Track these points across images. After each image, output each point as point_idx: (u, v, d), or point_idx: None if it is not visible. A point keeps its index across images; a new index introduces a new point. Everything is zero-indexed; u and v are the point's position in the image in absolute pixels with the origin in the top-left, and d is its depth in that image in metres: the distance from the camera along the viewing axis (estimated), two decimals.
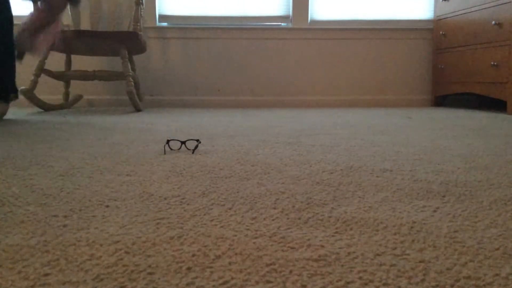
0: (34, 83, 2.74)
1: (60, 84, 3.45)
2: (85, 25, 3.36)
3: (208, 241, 0.58)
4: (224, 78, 3.60)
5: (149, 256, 0.53)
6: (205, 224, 0.65)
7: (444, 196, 0.80)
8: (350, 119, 2.38)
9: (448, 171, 1.02)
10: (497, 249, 0.55)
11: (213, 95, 3.60)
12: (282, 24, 3.61)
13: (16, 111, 2.93)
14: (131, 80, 2.84)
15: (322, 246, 0.56)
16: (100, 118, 2.42)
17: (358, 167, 1.07)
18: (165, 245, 0.56)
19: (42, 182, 0.91)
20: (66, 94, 3.21)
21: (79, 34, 2.71)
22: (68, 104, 3.23)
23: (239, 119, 2.38)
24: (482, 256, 0.53)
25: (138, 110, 2.98)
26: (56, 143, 1.45)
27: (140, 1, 2.88)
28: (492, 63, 2.84)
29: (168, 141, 1.31)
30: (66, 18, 3.32)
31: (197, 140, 1.34)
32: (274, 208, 0.73)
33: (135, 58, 3.46)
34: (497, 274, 0.48)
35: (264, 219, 0.67)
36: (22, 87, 2.70)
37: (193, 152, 1.28)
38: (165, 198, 0.79)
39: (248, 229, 0.63)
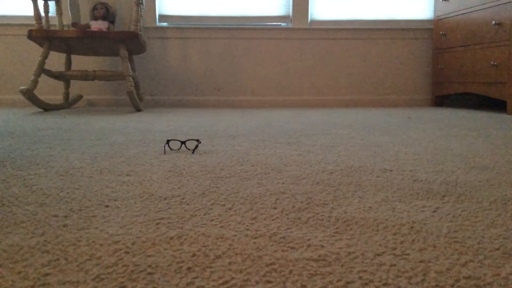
0: (34, 83, 2.74)
1: (60, 84, 3.45)
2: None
3: (208, 241, 0.58)
4: (224, 78, 3.60)
5: (149, 256, 0.53)
6: (205, 224, 0.65)
7: (444, 196, 0.80)
8: (350, 119, 2.38)
9: (448, 171, 1.02)
10: (497, 249, 0.55)
11: (213, 95, 3.60)
12: (282, 24, 3.61)
13: (16, 111, 2.93)
14: (131, 80, 2.84)
15: (322, 246, 0.56)
16: (100, 118, 2.42)
17: (358, 167, 1.07)
18: (165, 245, 0.56)
19: (42, 182, 0.91)
20: (66, 94, 3.21)
21: (80, 33, 2.71)
22: (68, 104, 3.23)
23: (239, 119, 2.38)
24: (482, 256, 0.53)
25: (138, 110, 2.98)
26: (56, 143, 1.45)
27: (140, 1, 2.88)
28: (492, 63, 2.84)
29: (168, 141, 1.31)
30: (66, 17, 3.32)
31: (197, 140, 1.34)
32: (274, 208, 0.73)
33: (135, 58, 3.46)
34: (497, 274, 0.48)
35: (264, 219, 0.67)
36: (22, 87, 2.70)
37: (193, 152, 1.28)
38: (165, 198, 0.79)
39: (248, 229, 0.63)
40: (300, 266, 0.50)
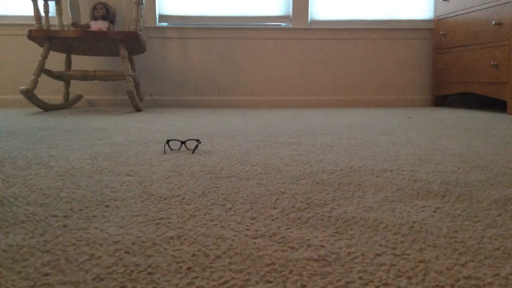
0: (34, 83, 2.74)
1: (60, 84, 3.45)
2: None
3: (208, 241, 0.58)
4: (224, 78, 3.60)
5: (149, 256, 0.53)
6: (205, 224, 0.65)
7: (444, 196, 0.80)
8: (350, 119, 2.38)
9: (448, 171, 1.02)
10: (497, 249, 0.55)
11: (213, 95, 3.60)
12: (282, 24, 3.61)
13: (16, 111, 2.93)
14: (131, 80, 2.84)
15: (322, 246, 0.56)
16: (100, 118, 2.42)
17: (358, 167, 1.07)
18: (165, 245, 0.56)
19: (42, 182, 0.91)
20: (66, 94, 3.21)
21: (80, 33, 2.71)
22: (68, 104, 3.23)
23: (239, 119, 2.38)
24: (482, 256, 0.53)
25: (138, 110, 2.98)
26: (56, 143, 1.45)
27: (140, 1, 2.88)
28: (492, 63, 2.84)
29: (168, 141, 1.31)
30: (66, 17, 3.32)
31: (197, 140, 1.34)
32: (274, 208, 0.73)
33: (135, 58, 3.46)
34: (497, 274, 0.48)
35: (264, 219, 0.67)
36: (22, 87, 2.70)
37: (193, 152, 1.28)
38: (165, 198, 0.79)
39: (248, 229, 0.63)
40: (300, 266, 0.50)
